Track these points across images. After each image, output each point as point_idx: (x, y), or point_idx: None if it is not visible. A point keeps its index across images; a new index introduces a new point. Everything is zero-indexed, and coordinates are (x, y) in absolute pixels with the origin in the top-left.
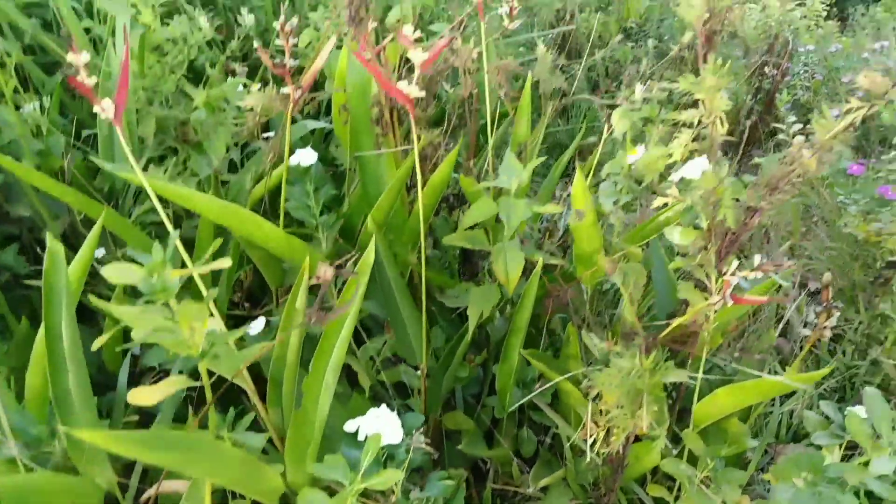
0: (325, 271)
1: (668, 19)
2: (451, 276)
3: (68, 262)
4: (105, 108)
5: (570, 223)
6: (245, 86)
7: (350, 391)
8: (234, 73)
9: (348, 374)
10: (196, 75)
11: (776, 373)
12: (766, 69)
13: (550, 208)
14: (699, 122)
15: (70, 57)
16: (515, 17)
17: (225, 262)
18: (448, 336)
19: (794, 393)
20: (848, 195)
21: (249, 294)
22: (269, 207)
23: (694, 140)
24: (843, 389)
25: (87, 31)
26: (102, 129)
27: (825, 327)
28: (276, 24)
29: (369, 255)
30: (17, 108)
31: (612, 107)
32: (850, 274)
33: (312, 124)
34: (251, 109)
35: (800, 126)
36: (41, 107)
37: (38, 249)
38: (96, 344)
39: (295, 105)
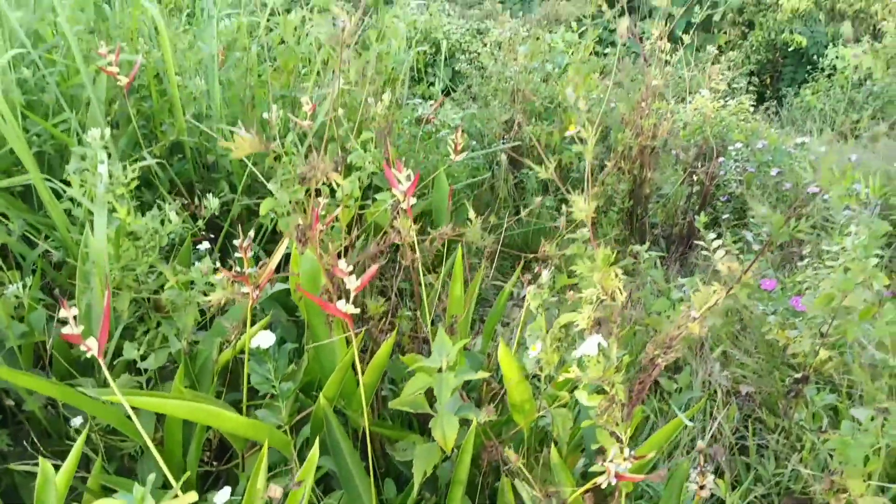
0: (274, 491)
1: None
2: (404, 422)
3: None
4: (90, 347)
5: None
6: (214, 270)
7: None
8: (201, 241)
9: None
10: (167, 247)
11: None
12: (695, 175)
13: (480, 375)
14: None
15: (61, 313)
16: (461, 150)
17: (191, 497)
18: (403, 479)
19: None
20: (766, 304)
21: (220, 448)
22: (237, 365)
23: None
24: (770, 496)
25: (67, 210)
26: (81, 306)
27: (703, 486)
28: (237, 242)
29: (314, 456)
30: (1, 283)
31: (536, 266)
32: (773, 381)
33: (276, 287)
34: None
35: (719, 242)
36: (24, 285)
37: (19, 415)
38: None
39: (254, 302)
